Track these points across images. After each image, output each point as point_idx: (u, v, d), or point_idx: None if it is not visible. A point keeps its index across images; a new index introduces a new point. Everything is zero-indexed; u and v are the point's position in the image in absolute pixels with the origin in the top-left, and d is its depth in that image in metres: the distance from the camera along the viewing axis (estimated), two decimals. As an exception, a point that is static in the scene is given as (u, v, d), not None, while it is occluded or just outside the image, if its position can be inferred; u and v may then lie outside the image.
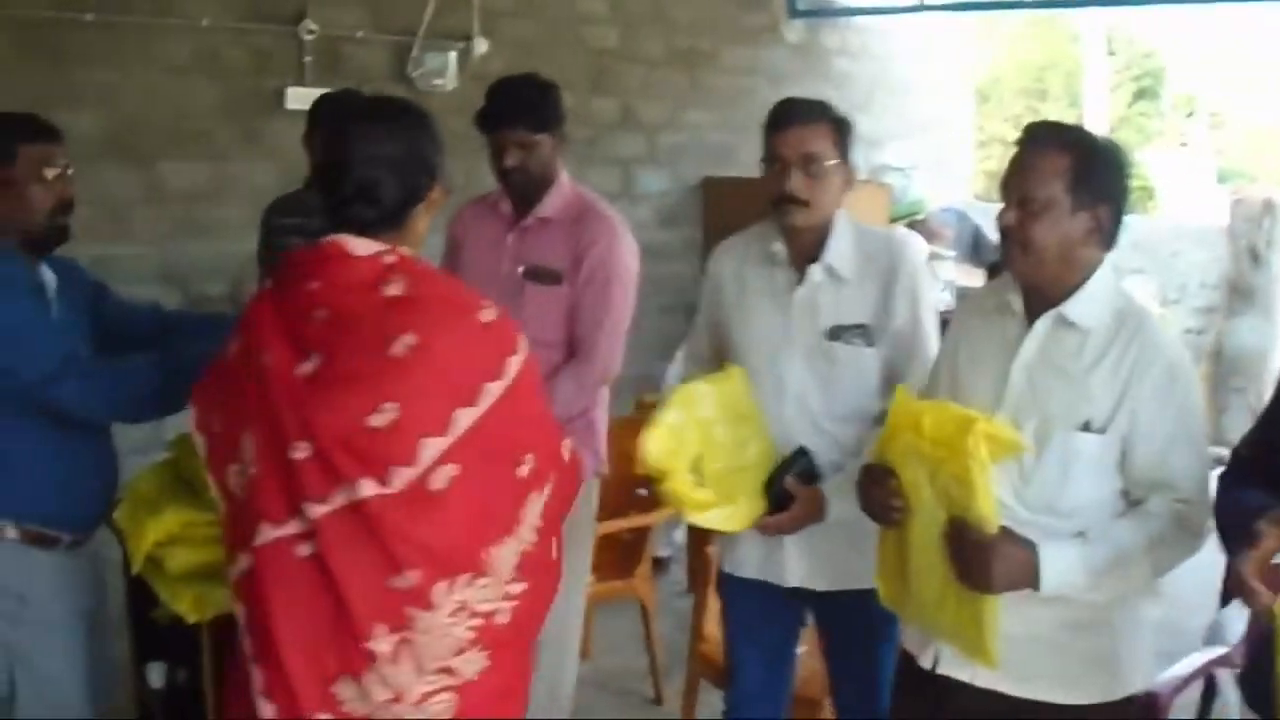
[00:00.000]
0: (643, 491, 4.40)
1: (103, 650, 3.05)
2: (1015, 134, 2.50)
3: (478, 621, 2.13)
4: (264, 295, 2.25)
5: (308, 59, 5.69)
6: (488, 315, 2.19)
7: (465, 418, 2.09)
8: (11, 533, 2.79)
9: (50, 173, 2.83)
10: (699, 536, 4.53)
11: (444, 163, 2.31)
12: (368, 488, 2.05)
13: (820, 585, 2.98)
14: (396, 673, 2.09)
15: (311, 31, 5.66)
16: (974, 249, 7.95)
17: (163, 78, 5.33)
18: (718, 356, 3.12)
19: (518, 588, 2.18)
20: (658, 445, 2.80)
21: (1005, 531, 2.31)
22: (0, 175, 2.79)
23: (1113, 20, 17.27)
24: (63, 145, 2.89)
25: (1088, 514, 2.40)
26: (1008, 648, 2.35)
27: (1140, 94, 19.87)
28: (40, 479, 2.81)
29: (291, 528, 2.09)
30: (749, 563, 3.07)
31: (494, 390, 2.13)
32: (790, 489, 2.84)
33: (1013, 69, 19.42)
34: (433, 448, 2.07)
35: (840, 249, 2.94)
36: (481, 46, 6.13)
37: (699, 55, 7.23)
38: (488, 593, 2.14)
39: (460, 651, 2.13)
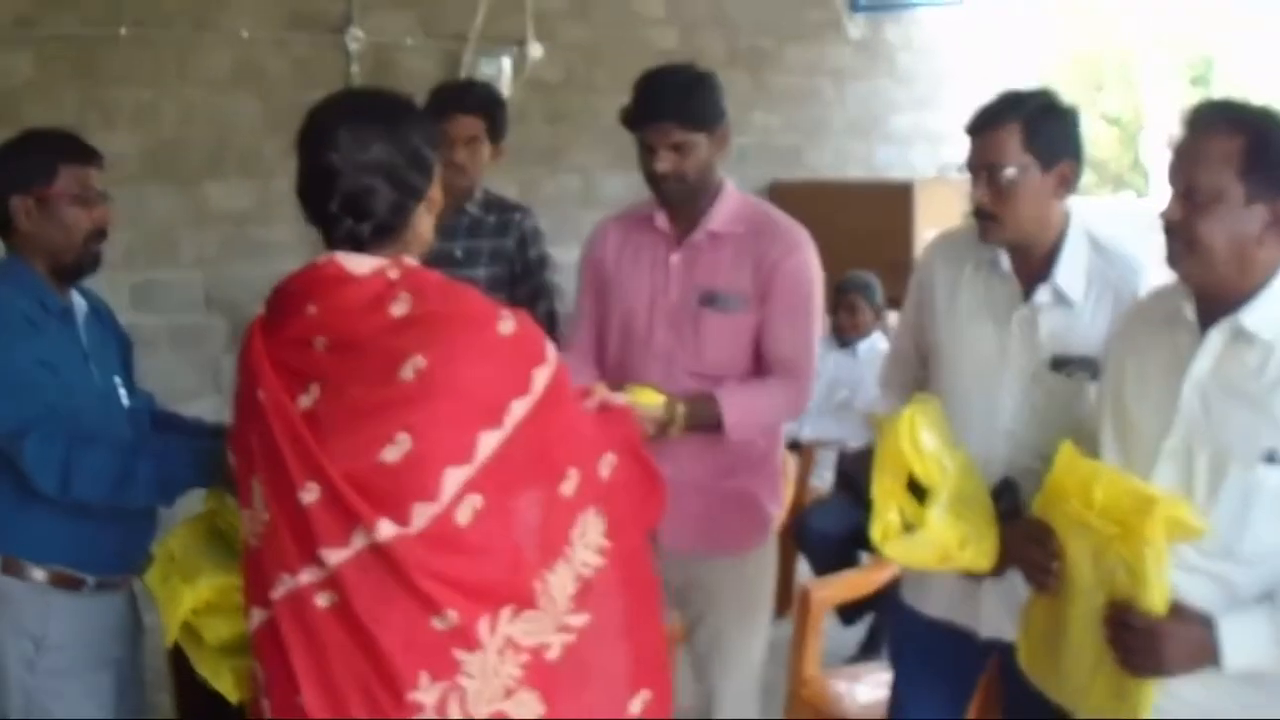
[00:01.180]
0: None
1: (135, 703, 2.90)
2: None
3: (524, 658, 1.97)
4: (256, 326, 2.07)
5: (355, 69, 5.53)
6: (507, 326, 2.00)
7: (490, 441, 1.93)
8: (39, 574, 2.66)
9: (89, 195, 2.71)
10: (786, 555, 4.24)
11: (438, 157, 2.14)
12: (386, 529, 1.89)
13: (1014, 637, 2.60)
14: None
15: (358, 40, 5.51)
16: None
17: (203, 93, 5.20)
18: (918, 382, 2.80)
19: (578, 620, 2.03)
20: (918, 465, 2.48)
21: (1176, 609, 2.05)
22: (38, 194, 2.67)
23: (1163, 5, 16.94)
24: (101, 168, 2.76)
25: (1274, 561, 2.09)
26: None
27: (1194, 82, 19.52)
28: (62, 517, 2.62)
29: (308, 576, 1.93)
30: (939, 600, 2.76)
31: (520, 408, 1.96)
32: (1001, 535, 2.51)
33: (1069, 58, 19.13)
34: (456, 478, 1.91)
35: (1072, 269, 2.58)
36: (536, 51, 5.91)
37: (761, 55, 7.03)
38: (535, 625, 1.98)
39: (509, 694, 1.96)
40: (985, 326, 2.64)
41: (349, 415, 1.92)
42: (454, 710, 1.92)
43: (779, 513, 3.23)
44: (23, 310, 2.64)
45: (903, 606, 2.89)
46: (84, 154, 2.74)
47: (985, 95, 2.64)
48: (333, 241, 2.04)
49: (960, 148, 7.35)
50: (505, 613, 1.95)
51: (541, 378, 2.00)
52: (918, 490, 2.45)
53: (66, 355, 2.68)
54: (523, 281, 3.66)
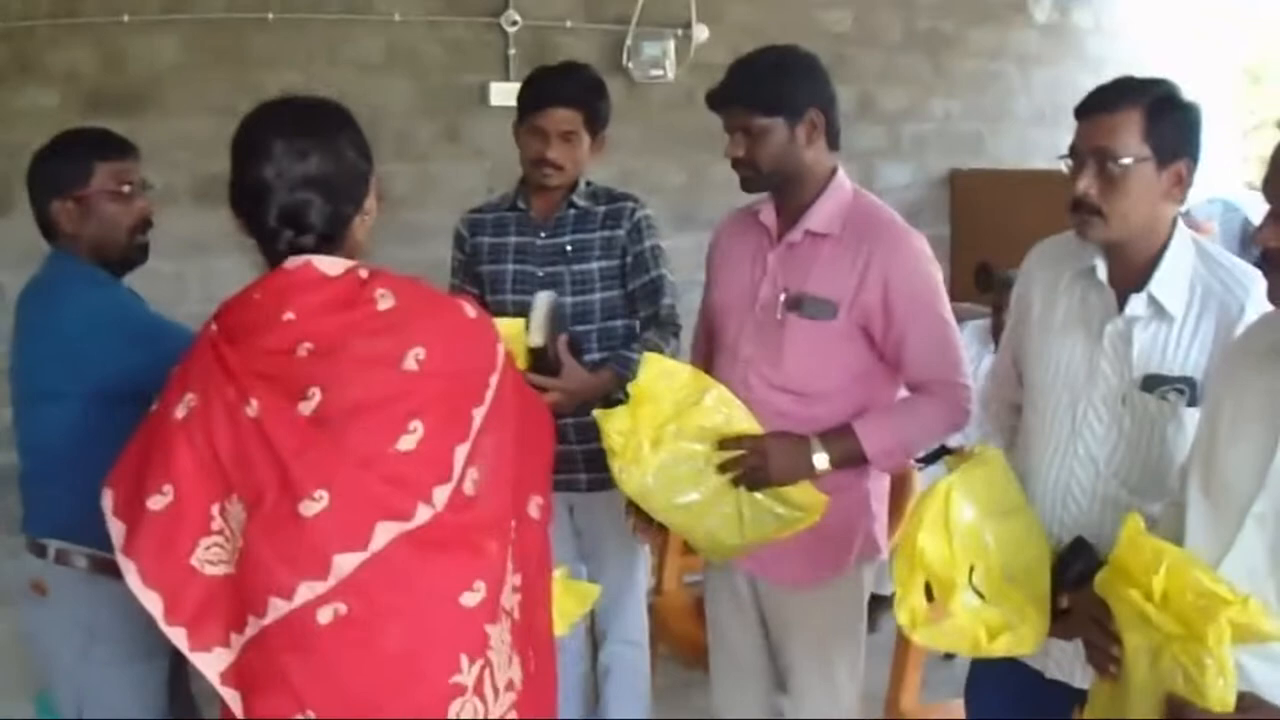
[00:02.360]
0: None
1: (185, 696, 2.98)
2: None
3: (508, 622, 2.02)
4: (216, 340, 2.01)
5: (512, 52, 5.38)
6: (470, 309, 2.11)
7: (479, 415, 2.01)
8: (80, 561, 2.70)
9: (127, 189, 2.80)
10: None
11: (373, 166, 2.15)
12: (423, 513, 1.91)
13: (1085, 682, 2.33)
14: (479, 705, 1.95)
15: (515, 23, 5.36)
16: (1243, 242, 7.20)
17: (354, 76, 5.10)
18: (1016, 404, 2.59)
19: (517, 579, 2.07)
20: (935, 552, 2.28)
21: (1245, 700, 1.77)
22: (77, 195, 2.76)
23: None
24: (138, 160, 2.85)
25: None
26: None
27: None
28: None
29: (306, 593, 1.86)
30: None
31: (494, 382, 2.05)
32: (1070, 601, 2.29)
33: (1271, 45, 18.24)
34: (461, 454, 1.97)
35: (1172, 277, 2.33)
36: (701, 34, 5.69)
37: (941, 38, 6.68)
38: (510, 588, 2.03)
39: (510, 660, 2.03)
40: (1076, 339, 2.41)
41: (360, 411, 1.92)
42: (487, 687, 1.95)
43: (874, 536, 3.00)
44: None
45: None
46: (119, 149, 2.81)
47: (1181, 84, 2.35)
48: (272, 252, 2.03)
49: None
50: (510, 580, 2.02)
51: (500, 351, 2.10)
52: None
53: None
54: (636, 274, 3.45)
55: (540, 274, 3.42)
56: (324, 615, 1.86)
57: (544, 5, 5.44)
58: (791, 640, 3.00)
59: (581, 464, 3.41)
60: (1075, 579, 2.26)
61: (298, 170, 2.01)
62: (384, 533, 1.87)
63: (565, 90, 3.37)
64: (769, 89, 2.77)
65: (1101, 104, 2.31)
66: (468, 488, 1.95)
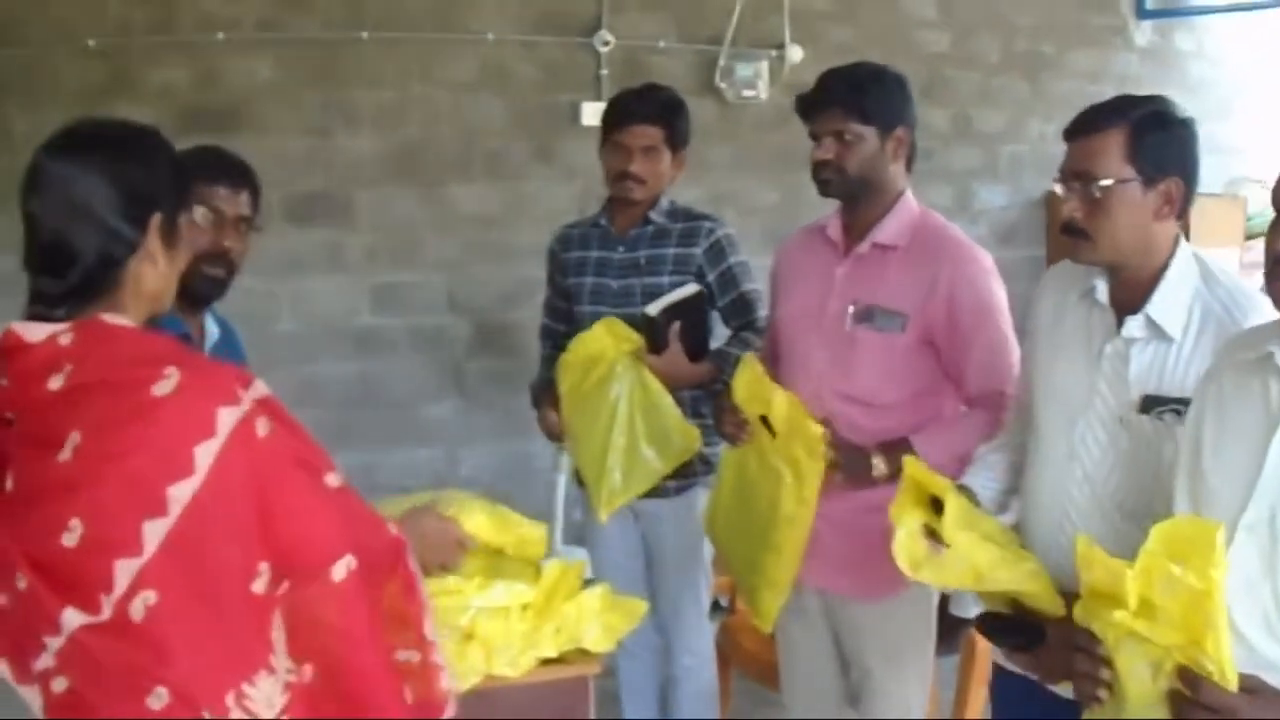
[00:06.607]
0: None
1: None
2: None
3: None
4: None
5: (604, 71, 5.38)
6: (164, 387, 1.67)
7: (157, 531, 1.65)
8: None
9: (197, 218, 2.55)
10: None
11: (180, 195, 1.88)
12: (75, 618, 1.65)
13: None
14: None
15: (607, 43, 5.35)
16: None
17: (447, 95, 5.17)
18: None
19: (304, 668, 1.78)
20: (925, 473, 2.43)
21: (1248, 682, 1.73)
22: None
23: None
24: (235, 190, 2.66)
25: None
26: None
27: None
28: None
29: (40, 663, 1.69)
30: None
31: (184, 492, 1.66)
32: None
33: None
34: (126, 571, 1.65)
35: (1172, 298, 2.30)
36: (796, 54, 5.66)
37: (1040, 60, 6.61)
38: None
39: None
40: (1076, 360, 2.40)
41: (30, 498, 1.70)
42: None
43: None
44: None
45: (993, 665, 2.69)
46: (212, 173, 2.62)
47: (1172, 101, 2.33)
48: (33, 300, 1.78)
49: (1252, 162, 6.73)
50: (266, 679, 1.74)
51: (207, 455, 1.67)
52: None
53: None
54: (724, 292, 3.55)
55: (614, 286, 3.54)
56: (57, 686, 1.71)
57: (636, 25, 5.44)
58: (864, 652, 3.03)
59: None
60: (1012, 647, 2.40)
61: (62, 197, 1.76)
62: (62, 625, 1.68)
63: (645, 108, 3.51)
64: (868, 98, 2.86)
65: (1085, 126, 2.32)
66: (135, 612, 1.66)
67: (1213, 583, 1.69)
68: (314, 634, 1.77)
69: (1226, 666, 1.71)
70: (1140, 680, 1.84)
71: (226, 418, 1.69)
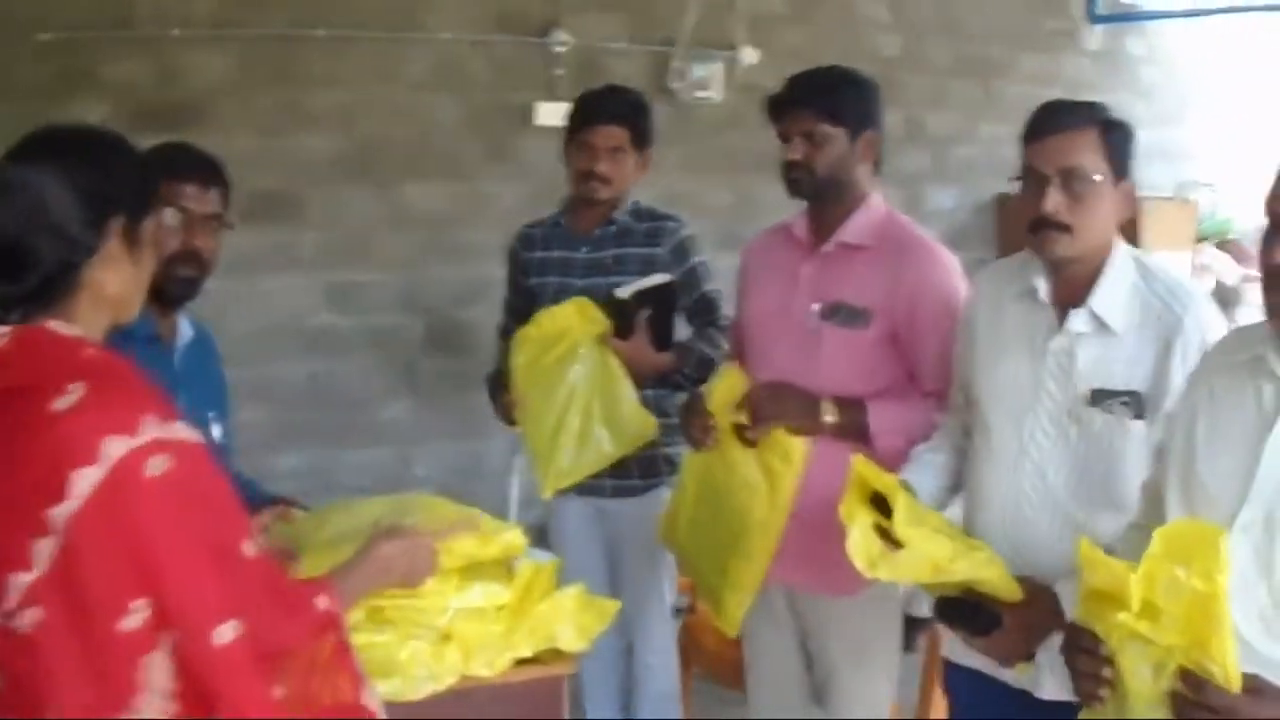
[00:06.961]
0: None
1: None
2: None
3: None
4: None
5: (558, 72, 5.37)
6: (62, 403, 1.64)
7: (43, 550, 1.61)
8: None
9: (166, 219, 2.48)
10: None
11: (145, 197, 1.84)
12: None
13: (1064, 694, 2.25)
14: None
15: (563, 43, 5.36)
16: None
17: (402, 95, 5.15)
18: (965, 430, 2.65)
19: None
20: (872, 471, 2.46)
21: (1251, 682, 1.73)
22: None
23: None
24: (204, 188, 2.64)
25: None
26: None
27: None
28: None
29: None
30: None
31: (60, 516, 1.61)
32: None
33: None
34: (19, 585, 1.62)
35: (1112, 293, 2.38)
36: (749, 56, 5.70)
37: (991, 64, 6.67)
38: None
39: None
40: (1020, 358, 2.46)
41: None
42: None
43: None
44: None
45: (944, 660, 2.75)
46: (181, 171, 2.60)
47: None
48: None
49: (1202, 166, 6.80)
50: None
51: (85, 481, 1.61)
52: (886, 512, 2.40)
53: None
54: (686, 292, 3.56)
55: (579, 285, 3.52)
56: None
57: (591, 26, 5.44)
58: (829, 649, 3.04)
59: (607, 469, 3.46)
60: (971, 632, 2.40)
61: (15, 201, 1.73)
62: None
63: (612, 108, 3.52)
64: (840, 99, 2.90)
65: (1060, 124, 2.38)
66: (22, 624, 1.64)
67: (1217, 586, 1.70)
68: (203, 694, 1.70)
69: (1231, 669, 1.72)
70: (1142, 680, 1.86)
71: (113, 448, 1.63)
